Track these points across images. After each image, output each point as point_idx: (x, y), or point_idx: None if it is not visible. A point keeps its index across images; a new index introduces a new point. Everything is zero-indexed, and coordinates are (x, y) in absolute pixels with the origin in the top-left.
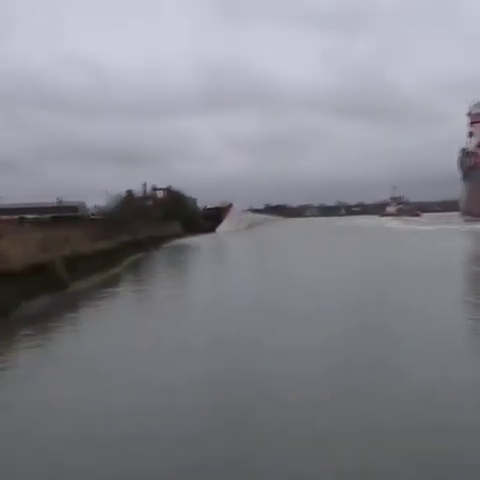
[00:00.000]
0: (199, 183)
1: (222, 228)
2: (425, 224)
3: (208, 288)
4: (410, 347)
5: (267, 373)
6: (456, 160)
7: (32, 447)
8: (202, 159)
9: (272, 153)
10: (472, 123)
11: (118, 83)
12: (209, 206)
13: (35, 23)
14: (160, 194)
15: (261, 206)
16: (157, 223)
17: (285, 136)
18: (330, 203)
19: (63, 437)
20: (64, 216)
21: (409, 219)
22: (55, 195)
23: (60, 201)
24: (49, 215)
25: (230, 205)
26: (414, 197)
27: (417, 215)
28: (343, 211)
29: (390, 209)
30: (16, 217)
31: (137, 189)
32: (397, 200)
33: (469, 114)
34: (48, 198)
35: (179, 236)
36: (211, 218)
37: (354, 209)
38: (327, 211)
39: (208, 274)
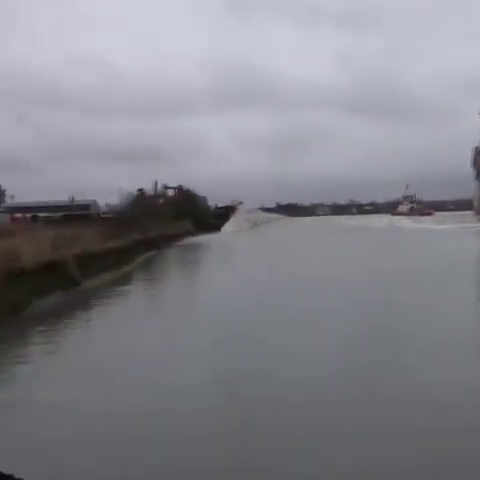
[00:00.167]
0: (210, 182)
1: (226, 228)
2: (437, 223)
3: (218, 287)
4: (424, 348)
5: (276, 370)
6: (470, 159)
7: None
8: (213, 158)
9: (284, 152)
10: None
11: (130, 83)
12: (220, 205)
13: (48, 22)
14: (171, 193)
15: (273, 205)
16: (168, 221)
17: (297, 135)
18: (342, 202)
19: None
20: (76, 214)
21: (421, 218)
22: (67, 194)
23: (72, 199)
24: (61, 213)
25: (239, 204)
26: (428, 196)
27: (429, 214)
28: (354, 210)
29: (402, 208)
30: (29, 215)
31: (148, 188)
32: (409, 199)
33: None
34: (60, 197)
35: (190, 234)
36: (222, 217)
37: (366, 208)
38: (339, 210)
39: (218, 273)
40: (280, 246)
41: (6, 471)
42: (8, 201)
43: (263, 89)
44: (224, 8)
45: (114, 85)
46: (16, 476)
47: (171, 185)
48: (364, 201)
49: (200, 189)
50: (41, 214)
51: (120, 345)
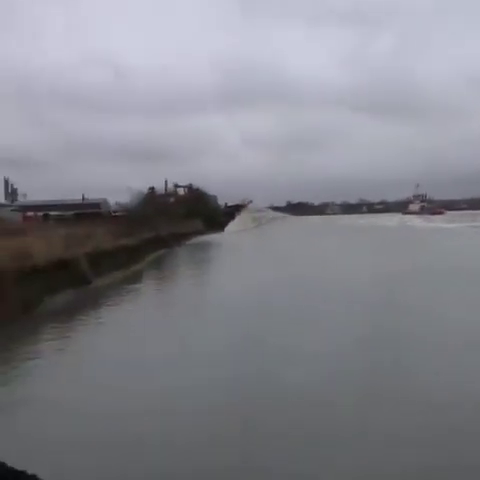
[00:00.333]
0: (221, 181)
1: (230, 227)
2: (449, 222)
3: (228, 287)
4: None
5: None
6: None
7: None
8: (223, 157)
9: (293, 151)
10: None
11: (140, 82)
12: (229, 203)
13: (59, 22)
14: (181, 191)
15: (283, 203)
16: (179, 220)
17: (307, 134)
18: (352, 201)
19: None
20: (87, 213)
21: (432, 217)
22: (79, 192)
23: (83, 198)
24: (72, 212)
25: (249, 203)
26: (440, 195)
27: (440, 213)
28: (365, 209)
29: (413, 207)
30: (41, 214)
31: (159, 186)
32: (420, 198)
33: None
34: (72, 195)
35: (201, 233)
36: (231, 215)
37: (376, 207)
38: (349, 209)
39: (227, 272)
40: (281, 247)
41: (19, 467)
42: (20, 200)
43: (274, 88)
44: (232, 8)
45: (125, 85)
46: (29, 472)
47: (182, 184)
48: (374, 200)
49: (211, 188)
50: (52, 213)
51: (130, 344)
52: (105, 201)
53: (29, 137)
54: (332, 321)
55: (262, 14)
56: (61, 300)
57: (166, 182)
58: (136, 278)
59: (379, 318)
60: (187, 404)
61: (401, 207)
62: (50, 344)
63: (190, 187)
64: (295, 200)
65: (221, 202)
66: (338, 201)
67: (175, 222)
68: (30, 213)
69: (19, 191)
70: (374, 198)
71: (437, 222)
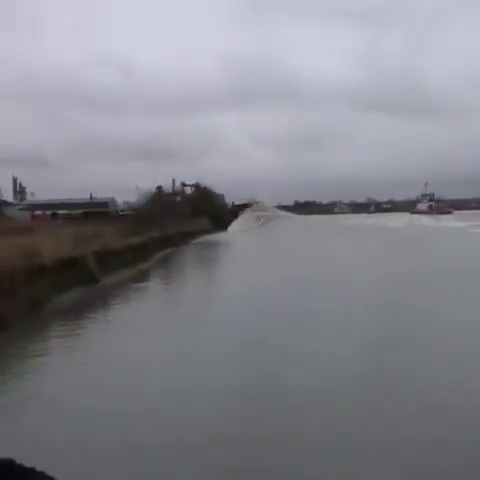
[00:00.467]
0: (229, 180)
1: (233, 227)
2: (458, 221)
3: (234, 287)
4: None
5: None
6: None
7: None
8: (231, 156)
9: (302, 150)
10: None
11: (147, 81)
12: (237, 202)
13: (67, 22)
14: (189, 190)
15: (291, 202)
16: (186, 219)
17: (315, 133)
18: (360, 200)
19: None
20: (95, 212)
21: (440, 216)
22: (87, 191)
23: (91, 197)
24: (80, 210)
25: (256, 202)
26: (449, 194)
27: (448, 212)
28: (373, 208)
29: (421, 206)
30: (49, 213)
31: (166, 185)
32: (428, 197)
33: None
34: (80, 194)
35: (208, 232)
36: (237, 215)
37: (384, 206)
38: (357, 208)
39: (234, 271)
40: (282, 247)
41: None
42: (28, 199)
43: (281, 87)
44: (242, 6)
45: (133, 84)
46: (38, 469)
47: (189, 183)
48: (382, 199)
49: (219, 187)
50: (60, 211)
51: (138, 343)
52: (113, 200)
53: (38, 137)
54: (332, 321)
55: (272, 13)
56: (69, 298)
57: (173, 181)
58: (143, 276)
59: (381, 318)
60: (196, 403)
61: (409, 206)
62: (58, 342)
63: (197, 186)
64: (303, 199)
65: (229, 201)
66: (346, 200)
67: (182, 221)
68: (38, 212)
69: (27, 190)
70: (382, 197)
71: (446, 221)
